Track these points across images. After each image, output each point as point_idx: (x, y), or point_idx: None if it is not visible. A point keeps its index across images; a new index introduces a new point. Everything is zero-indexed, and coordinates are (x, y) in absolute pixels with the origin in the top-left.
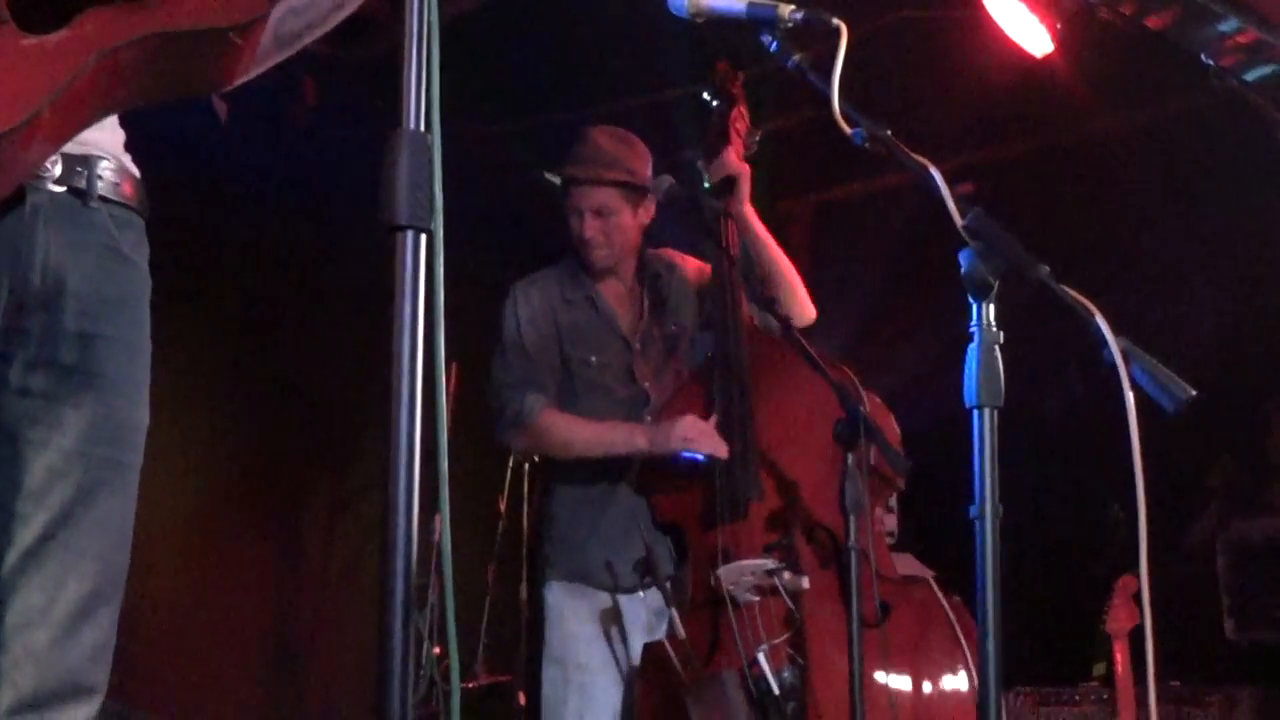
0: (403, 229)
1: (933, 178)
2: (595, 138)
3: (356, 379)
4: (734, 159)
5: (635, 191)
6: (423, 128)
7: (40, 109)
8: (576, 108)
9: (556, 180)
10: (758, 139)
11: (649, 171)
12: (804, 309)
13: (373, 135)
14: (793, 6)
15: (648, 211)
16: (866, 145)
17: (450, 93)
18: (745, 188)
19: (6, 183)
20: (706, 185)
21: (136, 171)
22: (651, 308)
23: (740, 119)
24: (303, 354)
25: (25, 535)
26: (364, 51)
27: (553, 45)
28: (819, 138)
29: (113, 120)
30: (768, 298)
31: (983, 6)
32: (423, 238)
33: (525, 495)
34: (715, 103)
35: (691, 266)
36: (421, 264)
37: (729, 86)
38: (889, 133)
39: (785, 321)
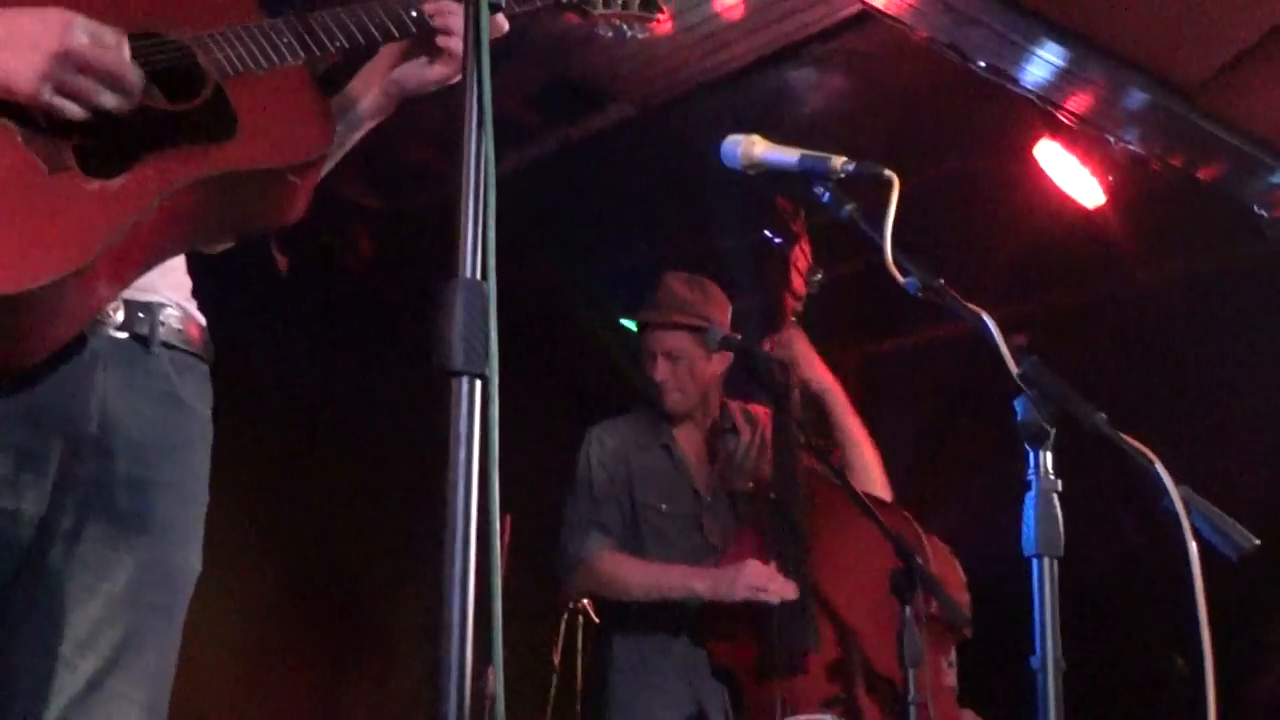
0: (458, 375)
1: (987, 326)
2: (670, 283)
3: (406, 527)
4: (796, 339)
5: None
6: (479, 275)
7: (101, 252)
8: (631, 257)
9: (633, 326)
10: (819, 278)
11: (726, 318)
12: (876, 487)
13: (426, 286)
14: (844, 158)
15: (724, 359)
16: (920, 294)
17: (506, 241)
18: (811, 363)
19: (69, 326)
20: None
21: (202, 319)
22: (725, 460)
23: (802, 256)
24: (353, 501)
25: (73, 682)
26: (417, 203)
27: (607, 196)
28: (867, 289)
29: (179, 265)
30: (823, 447)
31: (1034, 158)
32: (478, 384)
33: (579, 647)
34: (777, 240)
35: None
36: (476, 410)
37: (790, 224)
38: (942, 281)
39: (840, 472)
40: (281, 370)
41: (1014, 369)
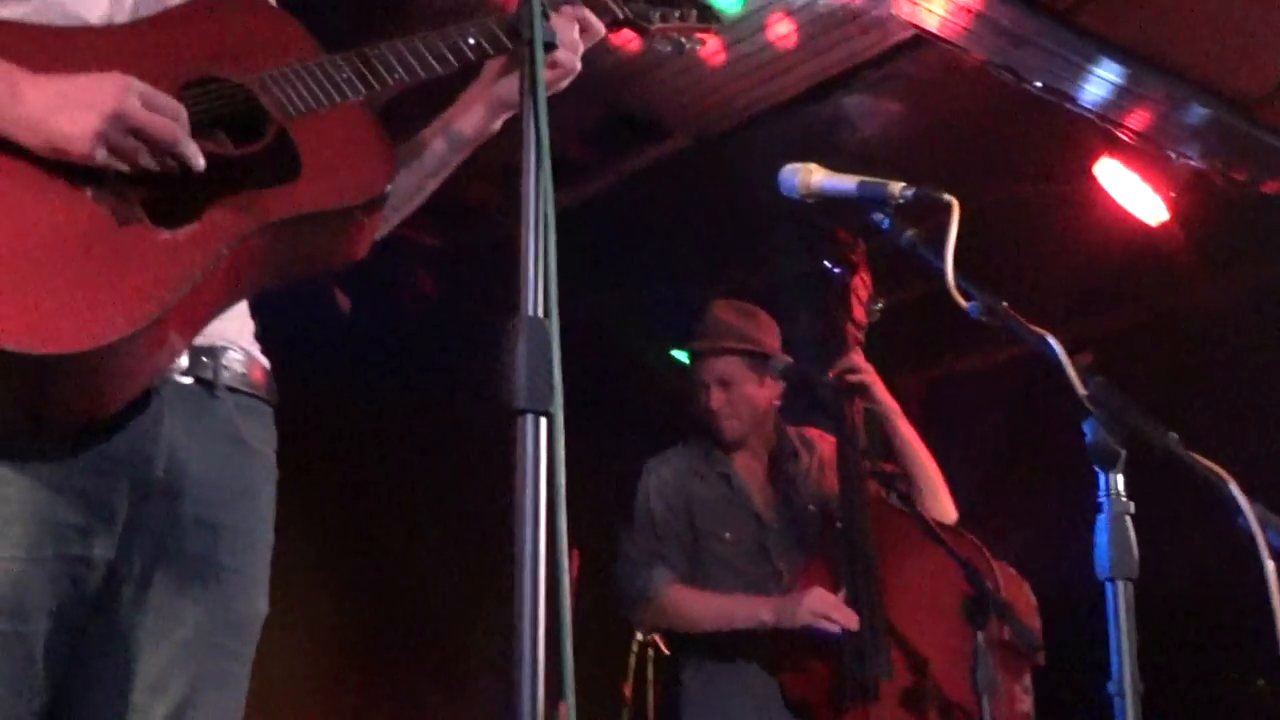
0: (523, 413)
1: (1052, 347)
2: (716, 311)
3: (475, 562)
4: (860, 363)
5: (759, 361)
6: (541, 313)
7: (174, 303)
8: (689, 289)
9: (684, 356)
10: (880, 306)
11: (775, 342)
12: (946, 511)
13: (488, 322)
14: (903, 184)
15: (777, 385)
16: (983, 318)
17: (565, 277)
18: (878, 389)
19: (144, 376)
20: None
21: (265, 361)
22: (786, 485)
23: (862, 286)
24: (421, 537)
25: None
26: (477, 241)
27: (664, 229)
28: (929, 313)
29: (242, 309)
30: (889, 474)
31: (1094, 177)
32: (543, 421)
33: (650, 680)
34: (836, 270)
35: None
36: (543, 447)
37: (849, 254)
38: (1005, 305)
39: (908, 498)
40: (346, 408)
41: (1081, 391)
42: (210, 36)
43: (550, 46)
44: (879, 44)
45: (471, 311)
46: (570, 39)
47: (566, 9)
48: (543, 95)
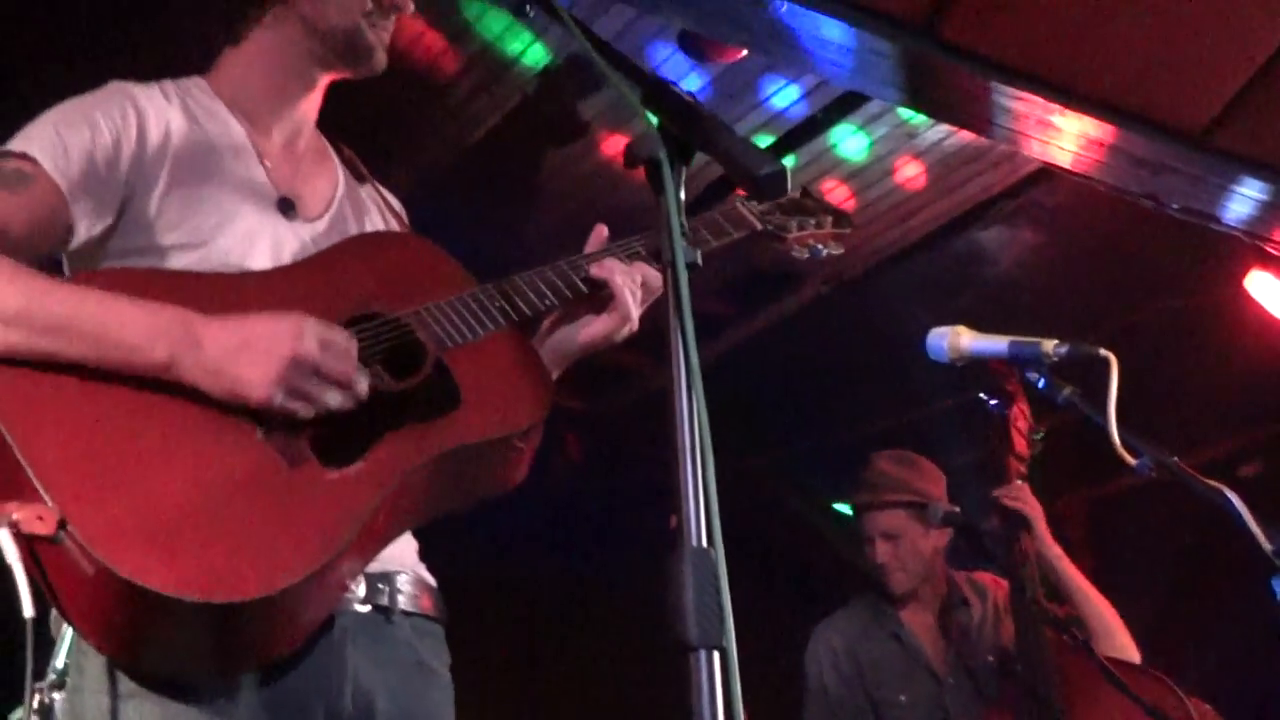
0: (695, 649)
1: (1230, 502)
2: (878, 463)
3: None
4: (1026, 495)
5: (923, 511)
6: (705, 543)
7: (348, 542)
8: (839, 435)
9: (848, 510)
10: (1041, 436)
11: (939, 490)
12: (1125, 652)
13: (635, 487)
14: (1056, 341)
15: (943, 533)
16: (1152, 474)
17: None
18: (1041, 528)
19: (322, 610)
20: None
21: (433, 580)
22: (960, 636)
23: (1021, 416)
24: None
25: None
26: (619, 403)
27: (808, 376)
28: (1084, 431)
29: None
30: (1062, 618)
31: (1244, 289)
32: (716, 655)
33: None
34: (994, 403)
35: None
36: (718, 682)
37: (1005, 385)
38: (1175, 459)
39: (1087, 643)
40: (499, 586)
41: (1266, 546)
42: (366, 273)
43: (693, 267)
44: (1009, 176)
45: (620, 477)
46: (627, 296)
47: (624, 267)
48: (688, 317)
